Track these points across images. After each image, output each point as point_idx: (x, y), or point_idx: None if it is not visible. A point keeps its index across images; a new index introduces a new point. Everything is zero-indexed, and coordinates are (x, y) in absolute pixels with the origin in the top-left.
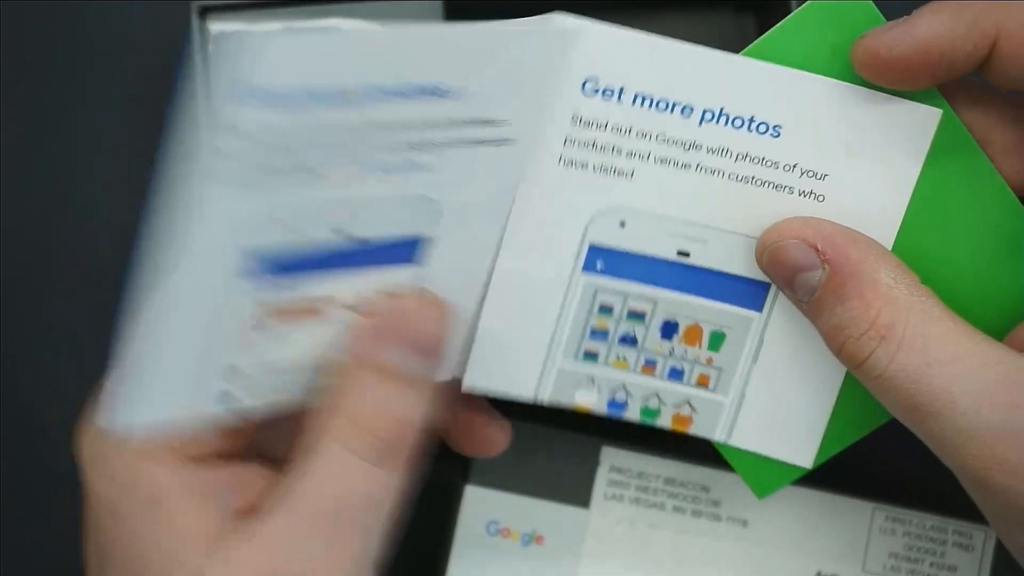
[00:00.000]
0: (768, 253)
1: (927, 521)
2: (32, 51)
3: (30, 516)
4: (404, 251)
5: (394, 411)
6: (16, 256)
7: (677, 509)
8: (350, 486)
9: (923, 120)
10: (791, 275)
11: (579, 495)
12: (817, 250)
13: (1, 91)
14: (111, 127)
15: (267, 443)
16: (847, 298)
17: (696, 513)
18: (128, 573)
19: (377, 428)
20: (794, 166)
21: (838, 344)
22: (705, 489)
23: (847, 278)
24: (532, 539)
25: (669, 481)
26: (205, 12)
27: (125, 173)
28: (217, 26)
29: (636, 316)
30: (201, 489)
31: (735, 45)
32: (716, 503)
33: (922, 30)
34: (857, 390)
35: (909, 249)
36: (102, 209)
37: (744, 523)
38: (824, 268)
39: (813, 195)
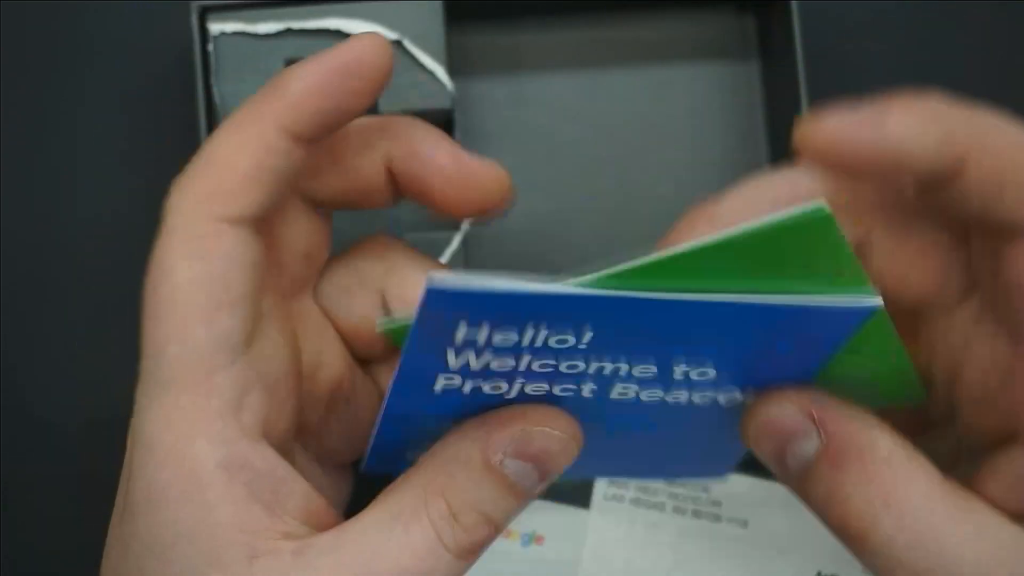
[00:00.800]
0: (758, 423)
1: None
2: (32, 51)
3: (30, 516)
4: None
5: (495, 517)
6: (16, 256)
7: (677, 510)
8: (431, 569)
9: None
10: (782, 445)
11: (579, 495)
12: (813, 417)
13: (1, 91)
14: (111, 127)
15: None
16: (846, 467)
17: (696, 513)
18: (158, 563)
19: (475, 527)
20: None
21: (837, 515)
22: (705, 489)
23: (845, 446)
24: (532, 539)
25: (670, 481)
26: (205, 12)
27: (125, 173)
28: (217, 26)
29: None
30: (245, 472)
31: (736, 46)
32: (716, 503)
33: (890, 128)
34: None
35: None
36: (102, 209)
37: (744, 523)
38: (819, 441)
39: None
